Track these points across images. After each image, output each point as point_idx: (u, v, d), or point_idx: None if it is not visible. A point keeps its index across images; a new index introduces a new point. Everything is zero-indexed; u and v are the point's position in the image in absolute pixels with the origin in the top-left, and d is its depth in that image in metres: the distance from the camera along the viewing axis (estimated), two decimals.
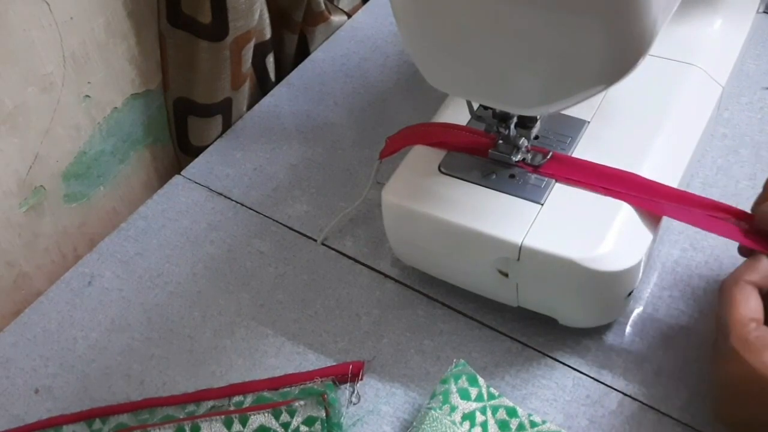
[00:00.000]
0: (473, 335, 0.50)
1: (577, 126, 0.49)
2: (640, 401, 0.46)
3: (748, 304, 0.40)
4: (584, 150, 0.48)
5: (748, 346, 0.38)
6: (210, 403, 0.47)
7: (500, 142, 0.47)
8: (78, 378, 0.50)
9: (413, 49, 0.42)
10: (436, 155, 0.49)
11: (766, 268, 0.41)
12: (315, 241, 0.57)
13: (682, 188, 0.47)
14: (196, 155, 0.65)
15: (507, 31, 0.36)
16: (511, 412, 0.45)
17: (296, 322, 0.52)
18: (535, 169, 0.47)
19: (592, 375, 0.47)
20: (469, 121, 0.50)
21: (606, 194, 0.45)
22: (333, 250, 0.56)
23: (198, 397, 0.48)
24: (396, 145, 0.52)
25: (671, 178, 0.47)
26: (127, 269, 0.57)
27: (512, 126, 0.46)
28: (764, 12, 0.65)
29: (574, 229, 0.44)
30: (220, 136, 0.66)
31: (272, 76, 0.71)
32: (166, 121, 0.66)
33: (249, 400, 0.47)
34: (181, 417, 0.46)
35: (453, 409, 0.44)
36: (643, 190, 0.45)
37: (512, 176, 0.47)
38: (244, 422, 0.45)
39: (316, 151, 0.64)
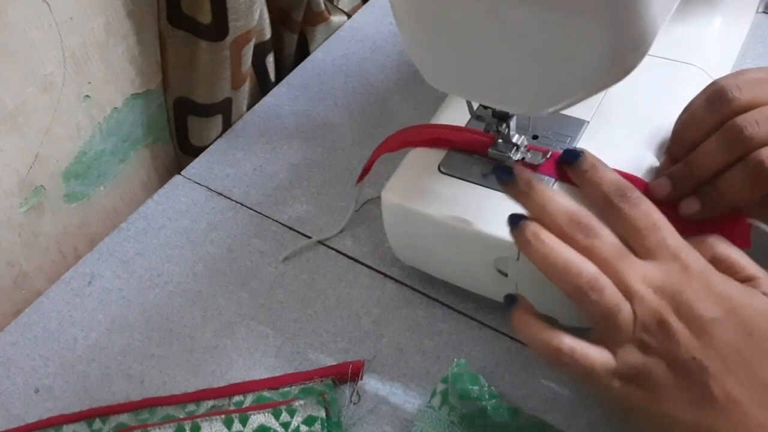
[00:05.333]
0: (473, 335, 0.50)
1: (576, 126, 0.49)
2: None
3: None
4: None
5: None
6: (210, 403, 0.47)
7: (500, 141, 0.47)
8: (78, 378, 0.50)
9: (413, 49, 0.42)
10: (436, 155, 0.49)
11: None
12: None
13: None
14: (196, 155, 0.65)
15: (507, 31, 0.36)
16: (511, 412, 0.45)
17: (296, 321, 0.52)
18: (535, 168, 0.47)
19: None
20: (468, 121, 0.50)
21: None
22: (333, 250, 0.56)
23: (198, 396, 0.48)
24: (393, 146, 0.51)
25: None
26: (127, 269, 0.57)
27: (512, 125, 0.46)
28: (764, 12, 0.65)
29: None
30: (220, 136, 0.66)
31: (272, 76, 0.71)
32: (166, 120, 0.66)
33: (249, 399, 0.47)
34: (181, 417, 0.46)
35: (453, 408, 0.44)
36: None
37: None
38: (244, 422, 0.45)
39: (316, 151, 0.64)
